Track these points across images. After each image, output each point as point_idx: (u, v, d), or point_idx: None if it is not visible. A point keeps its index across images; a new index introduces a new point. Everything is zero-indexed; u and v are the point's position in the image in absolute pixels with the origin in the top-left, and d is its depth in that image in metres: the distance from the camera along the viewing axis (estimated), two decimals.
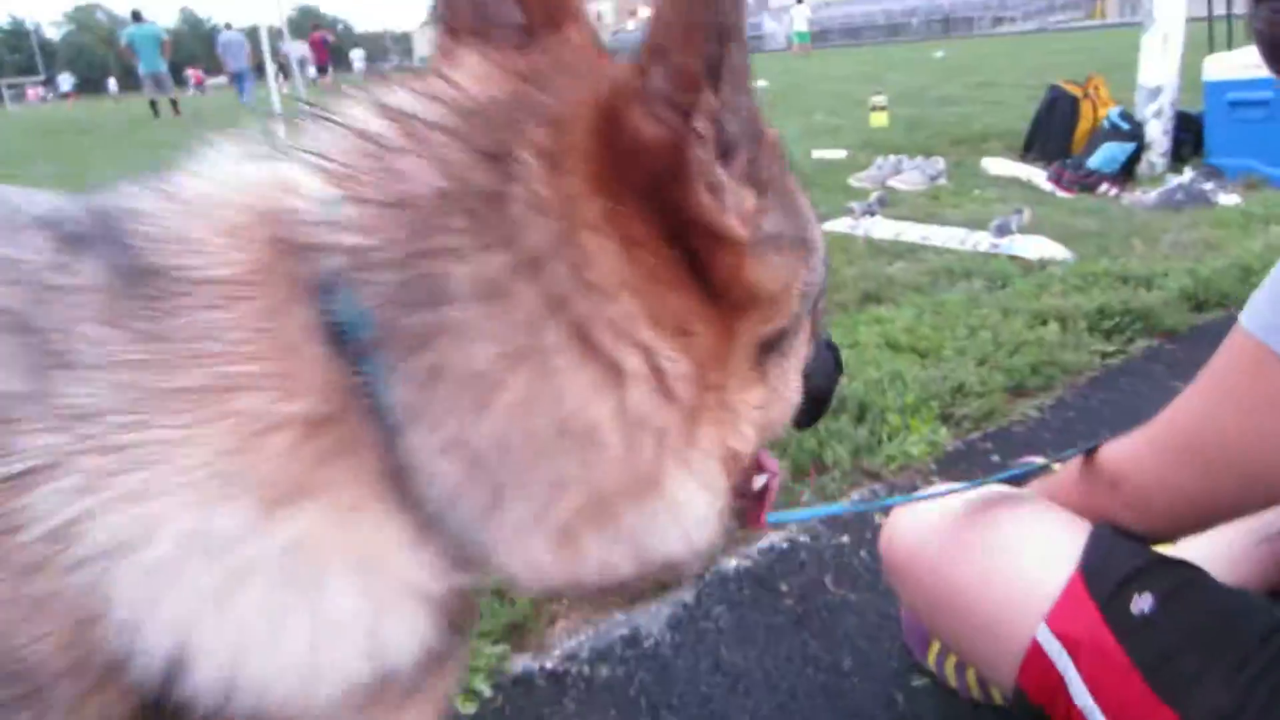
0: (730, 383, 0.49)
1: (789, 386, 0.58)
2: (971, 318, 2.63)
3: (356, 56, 44.92)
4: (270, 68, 10.44)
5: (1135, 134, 4.89)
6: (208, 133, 0.50)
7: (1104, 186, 4.56)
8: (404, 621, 0.43)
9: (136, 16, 17.82)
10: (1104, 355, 2.47)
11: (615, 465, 0.43)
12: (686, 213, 0.42)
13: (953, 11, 53.94)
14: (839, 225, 3.95)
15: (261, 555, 0.39)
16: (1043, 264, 3.21)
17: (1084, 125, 5.36)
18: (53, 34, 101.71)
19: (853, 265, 3.36)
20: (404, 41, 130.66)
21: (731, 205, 0.44)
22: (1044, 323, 2.56)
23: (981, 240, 3.53)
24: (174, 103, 18.39)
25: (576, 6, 0.52)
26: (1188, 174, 4.15)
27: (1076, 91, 5.40)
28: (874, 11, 60.74)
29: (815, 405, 0.69)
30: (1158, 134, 4.92)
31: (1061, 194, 4.62)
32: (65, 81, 49.28)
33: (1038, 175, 5.04)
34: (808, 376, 0.62)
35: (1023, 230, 3.54)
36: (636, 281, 0.43)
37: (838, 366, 0.79)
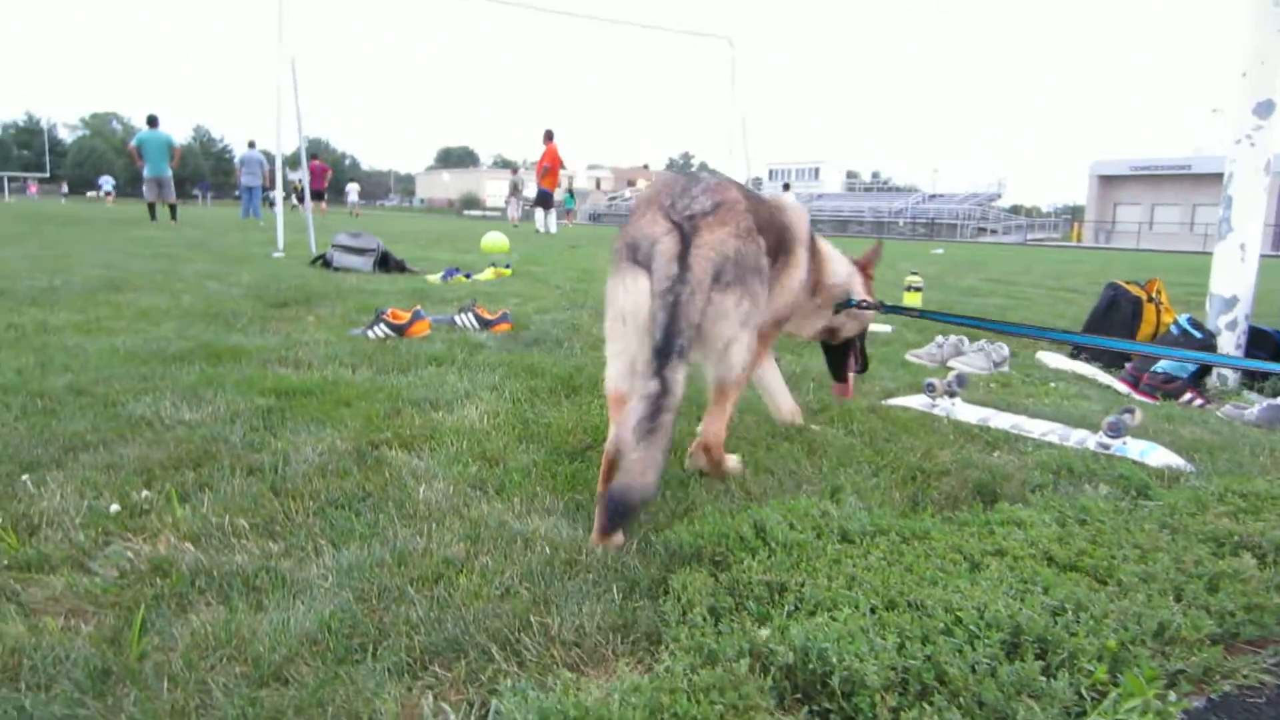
0: None
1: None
2: (1134, 534, 2.13)
3: (351, 190, 45.98)
4: (279, 191, 10.27)
5: (1207, 344, 4.56)
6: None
7: (1189, 395, 4.17)
8: None
9: (152, 121, 17.92)
10: None
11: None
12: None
13: (938, 217, 56.59)
14: (913, 401, 3.54)
15: None
16: (1171, 474, 2.76)
17: (1146, 328, 5.08)
18: (65, 134, 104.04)
19: (946, 449, 2.90)
20: (407, 182, 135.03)
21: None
22: (1233, 552, 2.06)
23: (1086, 438, 3.09)
24: (173, 209, 18.26)
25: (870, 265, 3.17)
26: None
27: (1139, 293, 5.14)
28: (863, 208, 63.63)
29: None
30: (1230, 346, 4.61)
31: (1139, 398, 4.23)
32: (106, 183, 52.89)
33: (1102, 375, 4.67)
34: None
35: (1132, 433, 3.09)
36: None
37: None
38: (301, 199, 19.41)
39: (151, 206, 18.02)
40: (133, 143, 18.08)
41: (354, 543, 1.96)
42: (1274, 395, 3.96)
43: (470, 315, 4.99)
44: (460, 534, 2.02)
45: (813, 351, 4.79)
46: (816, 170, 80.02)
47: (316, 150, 44.66)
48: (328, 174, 28.41)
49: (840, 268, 3.04)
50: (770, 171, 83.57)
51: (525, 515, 2.16)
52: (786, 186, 33.76)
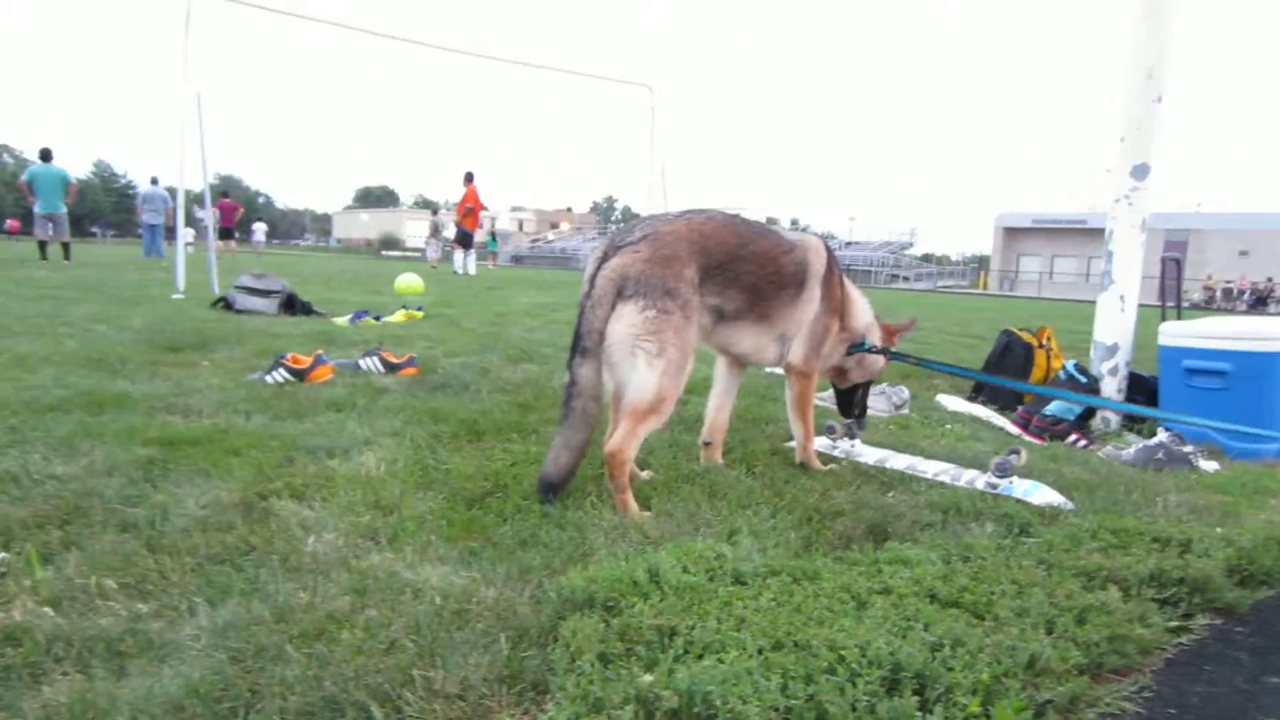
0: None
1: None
2: (1013, 570, 2.23)
3: (257, 229, 44.76)
4: (179, 229, 9.97)
5: (1091, 387, 4.81)
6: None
7: (1074, 437, 4.38)
8: None
9: (45, 155, 17.25)
10: (1169, 630, 2.08)
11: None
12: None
13: (854, 263, 58.21)
14: (815, 444, 3.60)
15: None
16: (1050, 512, 2.89)
17: (1037, 373, 5.31)
18: None
19: (843, 489, 2.99)
20: (323, 221, 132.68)
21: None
22: (1102, 586, 2.16)
23: (976, 478, 3.21)
24: (65, 247, 17.51)
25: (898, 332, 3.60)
26: (1163, 434, 3.99)
27: (1031, 339, 5.39)
28: None
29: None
30: (1112, 390, 4.87)
31: (1029, 439, 4.42)
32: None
33: (995, 417, 4.87)
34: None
35: (1018, 473, 3.23)
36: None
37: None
38: (226, 236, 18.75)
39: (42, 245, 17.26)
40: (23, 177, 17.37)
41: (232, 600, 1.90)
42: (1150, 437, 4.17)
43: (376, 359, 4.92)
44: (347, 587, 1.98)
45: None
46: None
47: (227, 187, 43.63)
48: (238, 212, 27.79)
49: (863, 315, 3.45)
50: None
51: (417, 564, 2.13)
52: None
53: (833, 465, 3.36)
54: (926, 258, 78.71)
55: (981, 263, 70.47)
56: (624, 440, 2.64)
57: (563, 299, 13.81)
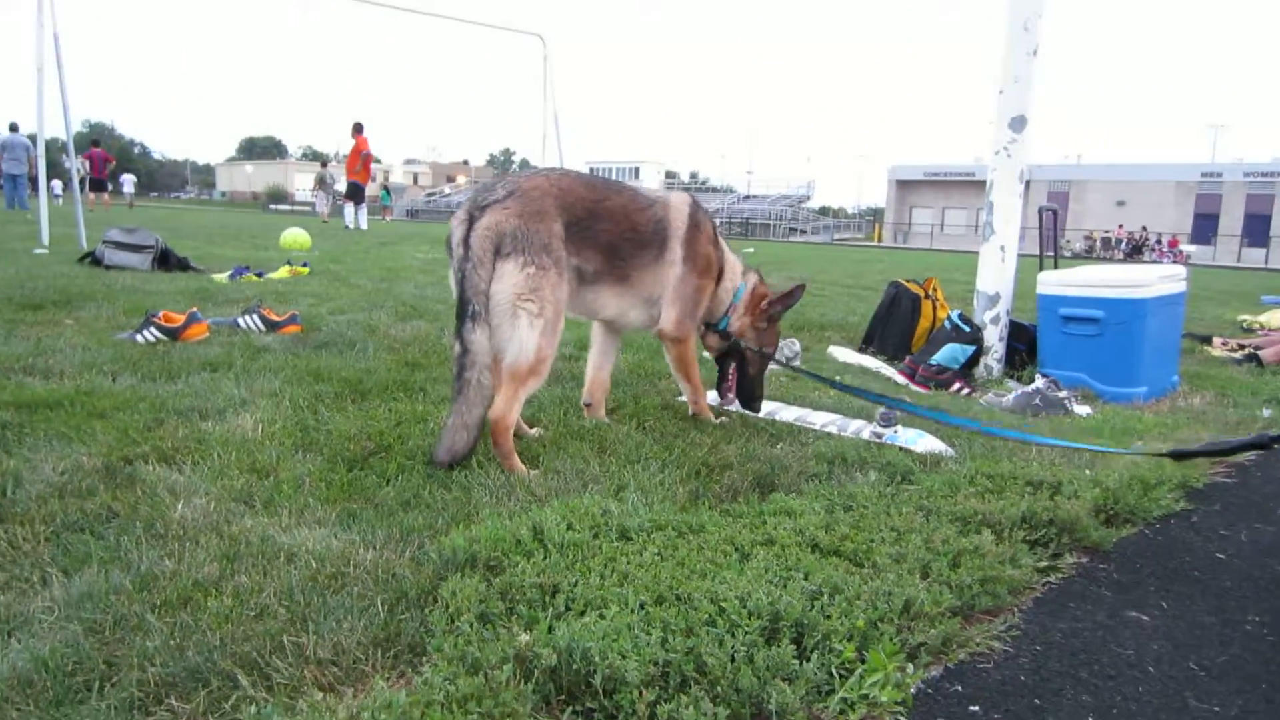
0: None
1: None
2: (893, 517, 2.29)
3: (126, 180, 41.90)
4: (43, 179, 9.29)
5: (975, 336, 4.98)
6: None
7: (957, 385, 4.53)
8: None
9: None
10: (1038, 570, 2.18)
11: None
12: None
13: (753, 217, 59.00)
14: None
15: None
16: (932, 459, 2.99)
17: (924, 323, 5.47)
18: None
19: (732, 443, 3.02)
20: (206, 173, 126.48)
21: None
22: (976, 530, 2.24)
23: (863, 428, 3.30)
24: None
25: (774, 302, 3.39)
26: (1040, 380, 4.17)
27: (918, 290, 5.54)
28: None
29: (746, 394, 3.41)
30: (994, 339, 5.05)
31: (916, 388, 4.56)
32: None
33: (885, 368, 5.01)
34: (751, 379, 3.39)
35: (902, 422, 3.32)
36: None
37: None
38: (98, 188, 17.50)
39: None
40: None
41: (90, 569, 1.80)
42: (1029, 384, 4.36)
43: (255, 317, 4.72)
44: (216, 553, 1.90)
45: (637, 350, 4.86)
46: (636, 170, 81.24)
47: (99, 136, 40.95)
48: (110, 163, 26.18)
49: (729, 283, 3.34)
50: (590, 169, 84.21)
51: (293, 528, 2.06)
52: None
53: (724, 419, 3.38)
54: (823, 211, 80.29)
55: (876, 215, 72.30)
56: (507, 406, 2.61)
57: None
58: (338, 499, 2.28)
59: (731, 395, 3.45)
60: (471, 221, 2.62)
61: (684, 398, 3.44)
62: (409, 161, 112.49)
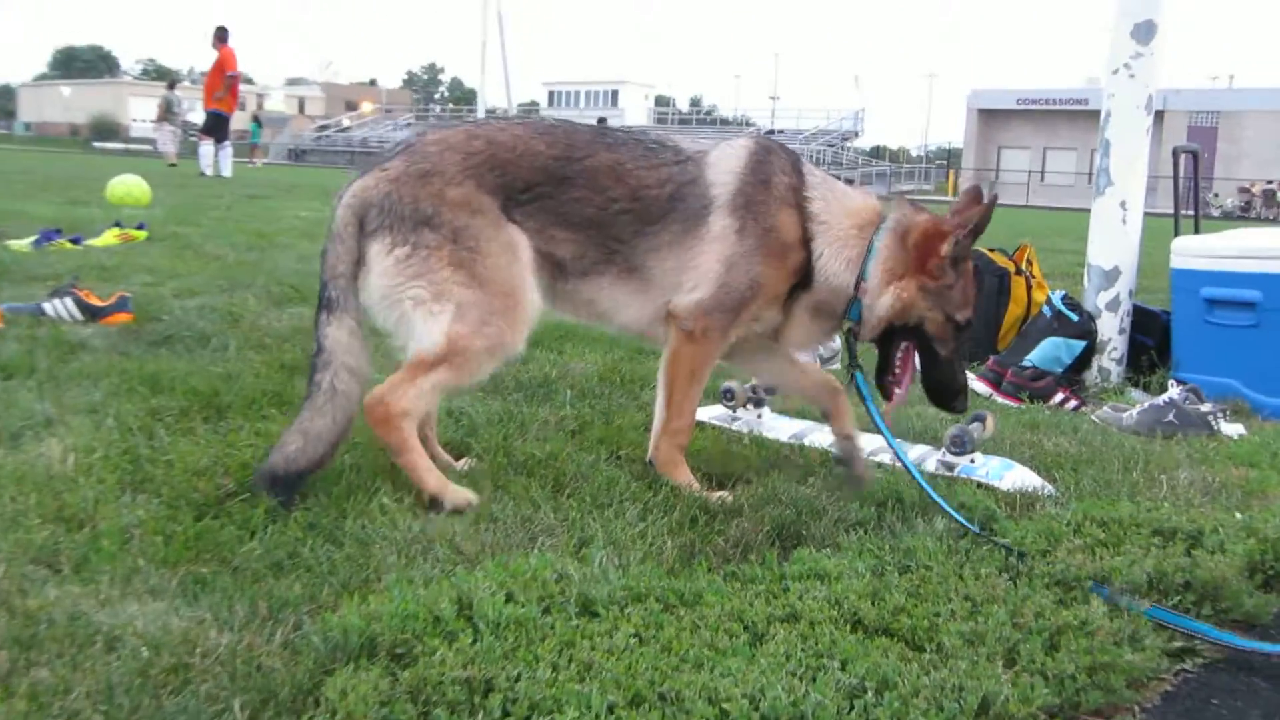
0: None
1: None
2: (967, 581, 2.31)
3: None
4: None
5: (1085, 328, 5.01)
6: None
7: (1060, 396, 4.56)
8: None
9: None
10: (1169, 654, 2.19)
11: None
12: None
13: None
14: (708, 414, 3.68)
15: None
16: (1023, 500, 3.02)
17: (1014, 310, 5.51)
18: None
19: (741, 477, 3.06)
20: (4, 97, 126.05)
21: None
22: (1083, 598, 2.27)
23: (926, 456, 3.32)
24: None
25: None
26: (1174, 388, 4.20)
27: (1006, 264, 5.57)
28: None
29: (941, 389, 3.17)
30: (1113, 331, 5.09)
31: (1002, 400, 4.59)
32: None
33: None
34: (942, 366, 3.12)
35: (982, 447, 3.35)
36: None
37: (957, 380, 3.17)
38: None
39: None
40: None
41: None
42: (1160, 394, 4.40)
43: (69, 301, 4.73)
44: (4, 637, 1.88)
45: (579, 349, 4.86)
46: (614, 93, 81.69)
47: None
48: None
49: (844, 251, 3.02)
50: (550, 94, 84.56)
51: (116, 602, 2.05)
52: (601, 120, 35.27)
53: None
54: (877, 152, 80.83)
55: (950, 158, 72.78)
56: (394, 387, 2.69)
57: None
58: (181, 560, 2.27)
59: (900, 392, 3.15)
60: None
61: (653, 423, 3.18)
62: (293, 82, 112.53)
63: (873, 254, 2.98)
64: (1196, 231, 5.56)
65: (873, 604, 2.16)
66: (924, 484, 2.81)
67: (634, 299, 2.99)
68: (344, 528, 2.47)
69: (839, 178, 3.42)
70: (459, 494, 2.68)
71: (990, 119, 64.67)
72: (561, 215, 2.85)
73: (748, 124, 76.50)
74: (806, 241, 3.01)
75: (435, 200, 2.70)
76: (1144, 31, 4.87)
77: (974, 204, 3.03)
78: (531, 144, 2.84)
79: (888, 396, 3.17)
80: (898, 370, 3.11)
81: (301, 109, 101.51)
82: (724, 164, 2.97)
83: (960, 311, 3.03)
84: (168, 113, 28.10)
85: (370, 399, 2.68)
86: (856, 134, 70.07)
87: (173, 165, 25.19)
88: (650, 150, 2.96)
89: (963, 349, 3.15)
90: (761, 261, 2.94)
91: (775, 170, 2.99)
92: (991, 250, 5.74)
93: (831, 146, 64.74)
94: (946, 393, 3.15)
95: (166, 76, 66.85)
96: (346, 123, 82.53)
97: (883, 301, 2.98)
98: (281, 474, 2.60)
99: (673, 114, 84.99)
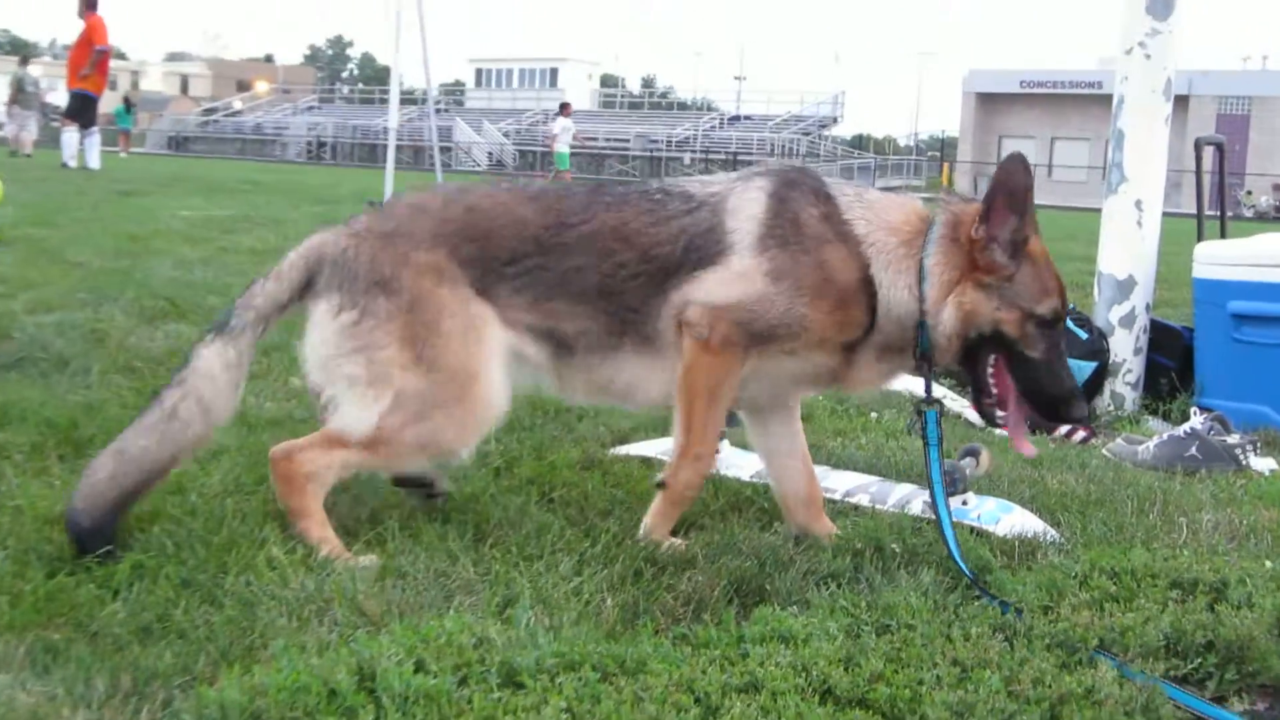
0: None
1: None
2: (956, 644, 2.33)
3: None
4: None
5: (1096, 347, 5.07)
6: None
7: (1066, 426, 4.61)
8: None
9: None
10: None
11: None
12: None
13: (744, 148, 59.61)
14: (655, 448, 3.70)
15: None
16: (1023, 546, 3.05)
17: None
18: None
19: (695, 523, 3.10)
20: None
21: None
22: (1088, 661, 2.30)
23: (910, 496, 3.35)
24: None
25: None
26: (1198, 417, 4.26)
27: None
28: (627, 135, 65.72)
29: (1044, 400, 3.03)
30: (1127, 350, 5.16)
31: (999, 431, 4.61)
32: None
33: (950, 396, 5.07)
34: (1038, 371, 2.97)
35: (975, 486, 3.38)
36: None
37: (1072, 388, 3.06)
38: None
39: None
40: None
41: None
42: (1182, 421, 4.45)
43: None
44: None
45: None
46: (552, 72, 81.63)
47: None
48: None
49: (900, 280, 2.99)
50: (479, 73, 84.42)
51: None
52: (564, 106, 36.13)
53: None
54: (860, 142, 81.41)
55: (944, 149, 73.38)
56: (306, 448, 2.75)
57: (252, 209, 13.43)
58: (30, 624, 2.25)
59: (1010, 412, 3.06)
60: None
61: (664, 450, 3.28)
62: (174, 57, 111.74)
63: (926, 268, 2.97)
64: (1223, 236, 5.65)
65: (846, 670, 2.17)
66: (959, 560, 2.78)
67: (657, 371, 2.99)
68: (225, 585, 2.45)
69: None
70: (345, 557, 2.68)
71: (990, 104, 65.26)
72: (561, 287, 2.89)
73: (709, 108, 76.91)
74: (867, 277, 2.98)
75: (397, 263, 2.78)
76: (1161, 5, 4.96)
77: (1018, 175, 2.93)
78: (517, 211, 2.92)
79: (993, 422, 3.13)
80: (994, 389, 3.02)
81: (184, 89, 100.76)
82: (745, 202, 2.98)
83: (1040, 304, 2.94)
84: (20, 93, 27.80)
85: (278, 451, 2.74)
86: (836, 121, 70.47)
87: (27, 155, 24.92)
88: (656, 203, 2.99)
89: (1059, 347, 3.03)
90: (801, 300, 2.92)
91: (805, 201, 3.00)
92: None
93: (807, 135, 65.08)
94: (1050, 401, 3.02)
95: (20, 50, 66.25)
96: (237, 105, 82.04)
97: (945, 318, 2.94)
98: (93, 522, 2.60)
99: (621, 96, 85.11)
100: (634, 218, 2.94)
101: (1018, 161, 2.93)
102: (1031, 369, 2.96)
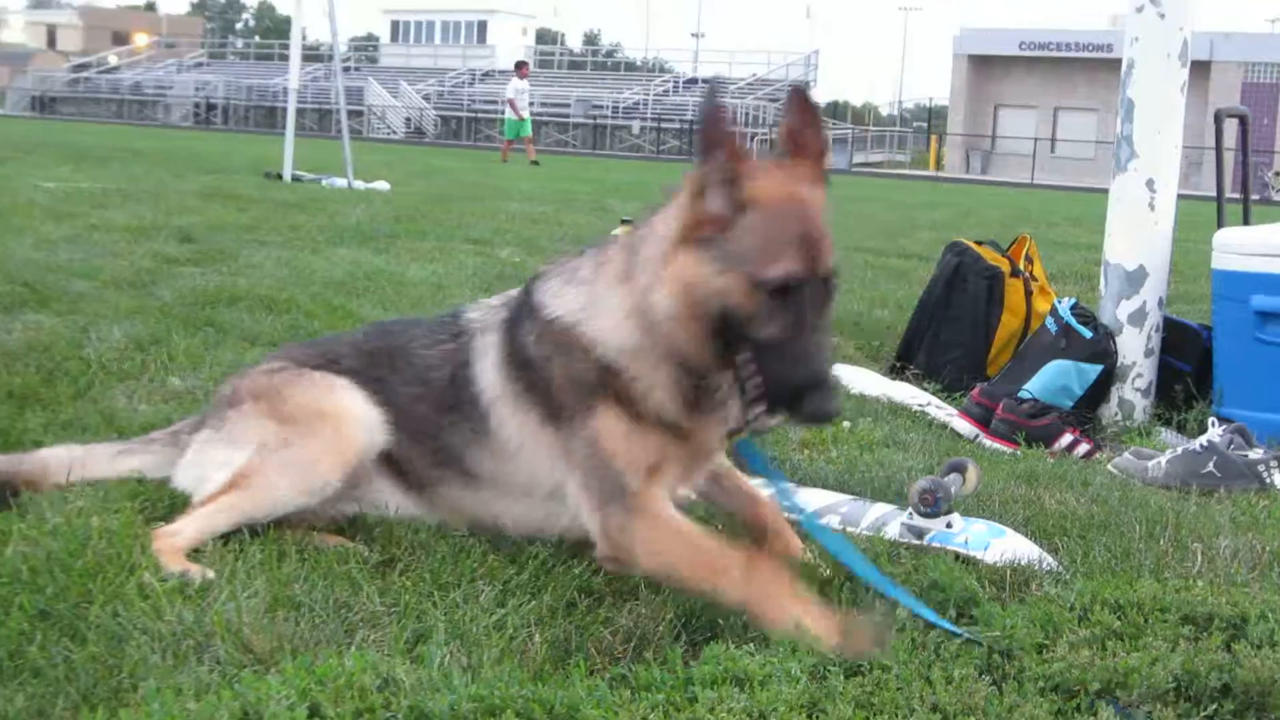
0: None
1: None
2: (937, 688, 2.33)
3: None
4: None
5: (1101, 347, 5.08)
6: None
7: (1068, 438, 4.64)
8: None
9: None
10: None
11: None
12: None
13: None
14: None
15: None
16: (1016, 576, 3.06)
17: (1010, 322, 5.59)
18: None
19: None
20: None
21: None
22: (1088, 708, 2.32)
23: (887, 518, 3.35)
24: None
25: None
26: (1216, 428, 4.29)
27: (998, 262, 5.65)
28: (568, 99, 65.73)
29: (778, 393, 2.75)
30: (1137, 352, 5.18)
31: (991, 443, 4.65)
32: None
33: (935, 404, 5.10)
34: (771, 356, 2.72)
35: (961, 506, 3.39)
36: None
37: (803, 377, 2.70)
38: None
39: None
40: None
41: None
42: (1199, 433, 4.48)
43: None
44: None
45: None
46: (480, 25, 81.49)
47: None
48: None
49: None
50: (395, 25, 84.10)
51: None
52: (520, 65, 37.19)
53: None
54: (836, 111, 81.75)
55: (932, 119, 73.78)
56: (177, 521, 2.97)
57: (128, 181, 13.32)
58: None
59: (759, 412, 2.80)
60: None
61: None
62: (39, 4, 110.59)
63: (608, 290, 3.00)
64: (1246, 221, 5.68)
65: (810, 719, 2.17)
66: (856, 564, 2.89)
67: (497, 507, 3.18)
68: (88, 616, 2.43)
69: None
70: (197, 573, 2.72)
71: (985, 69, 65.50)
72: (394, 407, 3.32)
73: (662, 70, 77.02)
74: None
75: (241, 386, 3.34)
76: None
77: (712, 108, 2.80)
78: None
79: (752, 422, 2.88)
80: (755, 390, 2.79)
81: (51, 42, 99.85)
82: (484, 320, 3.29)
83: (761, 267, 2.68)
84: None
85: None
86: (809, 85, 70.70)
87: None
88: (433, 324, 3.49)
89: (804, 323, 2.69)
90: (573, 420, 2.96)
91: (524, 323, 3.11)
92: (980, 244, 5.82)
93: (774, 101, 65.25)
94: (783, 394, 2.74)
95: None
96: (113, 60, 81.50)
97: (659, 305, 2.84)
98: None
99: (560, 54, 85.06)
100: (414, 340, 3.47)
101: (709, 88, 2.91)
102: (768, 351, 2.72)
